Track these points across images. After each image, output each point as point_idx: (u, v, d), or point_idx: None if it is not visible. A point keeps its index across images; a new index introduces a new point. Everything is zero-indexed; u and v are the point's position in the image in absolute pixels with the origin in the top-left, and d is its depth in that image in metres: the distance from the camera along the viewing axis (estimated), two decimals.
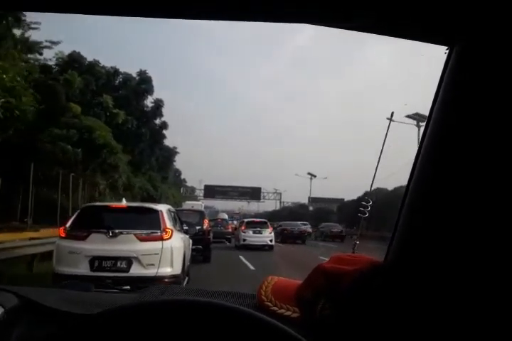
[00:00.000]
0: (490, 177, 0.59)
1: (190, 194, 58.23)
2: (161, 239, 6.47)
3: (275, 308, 0.80)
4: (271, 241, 19.01)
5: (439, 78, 0.69)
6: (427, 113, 0.71)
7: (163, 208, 7.02)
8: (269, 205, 61.89)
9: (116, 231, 6.33)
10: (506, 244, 0.57)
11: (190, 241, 9.74)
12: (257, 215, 50.60)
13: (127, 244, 6.30)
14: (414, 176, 0.71)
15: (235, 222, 30.68)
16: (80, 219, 6.59)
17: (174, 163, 60.05)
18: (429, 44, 0.68)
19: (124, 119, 25.97)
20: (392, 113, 1.07)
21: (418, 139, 0.77)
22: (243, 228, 20.00)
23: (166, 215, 6.84)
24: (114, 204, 7.55)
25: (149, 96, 33.36)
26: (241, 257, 14.56)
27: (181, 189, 57.14)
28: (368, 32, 0.66)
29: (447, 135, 0.65)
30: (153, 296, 0.87)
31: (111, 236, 6.30)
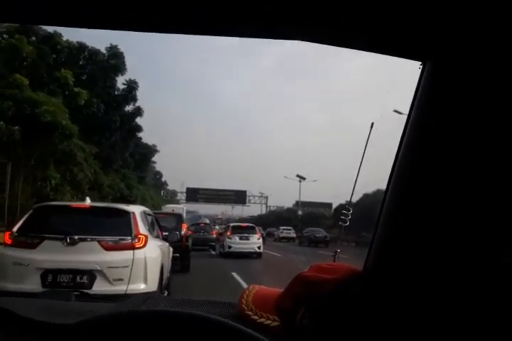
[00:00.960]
0: (465, 186, 0.61)
1: (172, 197, 56.84)
2: (133, 247, 5.32)
3: (255, 317, 0.81)
4: (259, 248, 17.59)
5: (415, 90, 0.72)
6: (403, 124, 0.73)
7: (136, 210, 5.85)
8: (254, 210, 60.93)
9: (76, 237, 5.13)
10: (486, 251, 0.59)
11: (171, 249, 8.60)
12: (241, 220, 49.51)
13: (89, 253, 5.12)
14: (391, 185, 0.73)
15: (217, 227, 29.22)
16: (31, 222, 5.37)
17: (155, 165, 58.66)
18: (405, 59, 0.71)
19: (87, 100, 20.29)
20: (372, 123, 1.03)
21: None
22: (229, 234, 18.58)
23: (139, 218, 5.69)
24: (75, 203, 6.36)
25: (120, 76, 26.96)
26: (230, 271, 12.24)
27: (162, 192, 55.77)
28: (343, 46, 0.69)
29: (422, 146, 0.68)
30: (134, 305, 0.89)
31: (69, 244, 5.11)
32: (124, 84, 27.91)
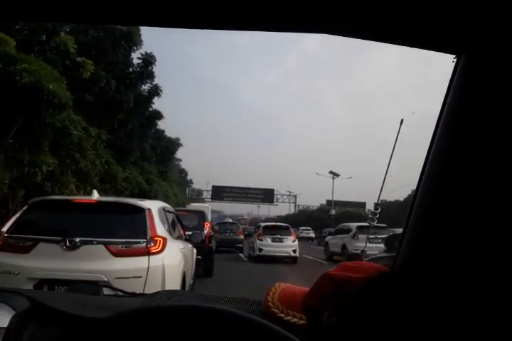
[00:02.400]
0: (501, 186, 0.60)
1: (197, 196, 56.21)
2: (148, 252, 4.37)
3: (282, 315, 0.83)
4: (294, 251, 15.82)
5: (447, 86, 0.71)
6: (435, 120, 0.72)
7: (153, 206, 4.88)
8: (281, 209, 59.79)
9: (77, 239, 4.21)
10: None
11: (195, 251, 7.64)
12: (267, 220, 48.32)
13: (94, 260, 4.18)
14: (422, 184, 0.72)
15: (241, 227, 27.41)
16: (25, 221, 4.47)
17: (180, 163, 58.24)
18: (437, 52, 0.70)
19: (94, 73, 16.24)
20: (402, 120, 1.06)
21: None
22: (259, 235, 16.88)
23: (157, 216, 4.73)
24: (78, 198, 5.42)
25: (135, 50, 21.47)
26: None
27: (187, 190, 55.31)
28: (374, 40, 0.68)
29: (455, 143, 0.67)
30: (161, 301, 0.94)
31: (68, 248, 4.19)
32: (139, 58, 22.59)
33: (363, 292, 0.72)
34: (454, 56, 0.69)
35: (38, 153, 12.69)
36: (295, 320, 0.81)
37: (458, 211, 0.64)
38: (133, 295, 1.34)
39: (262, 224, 19.23)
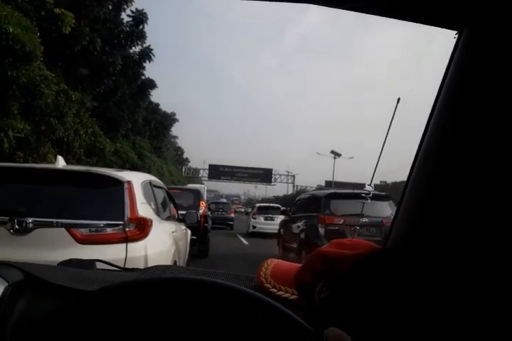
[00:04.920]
0: (498, 164, 0.59)
1: (193, 174, 55.36)
2: (125, 238, 3.33)
3: (274, 290, 0.84)
4: None
5: (447, 64, 0.69)
6: (432, 98, 0.71)
7: (134, 178, 3.79)
8: (279, 189, 59.14)
9: (30, 220, 3.13)
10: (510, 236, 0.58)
11: (189, 233, 6.64)
12: (264, 200, 48.09)
13: (52, 248, 3.11)
14: (417, 161, 0.72)
15: (233, 207, 30.44)
16: None
17: (176, 141, 57.13)
18: (438, 28, 0.69)
19: (75, 29, 13.83)
20: (399, 99, 1.02)
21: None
22: (254, 214, 19.49)
23: (139, 192, 3.67)
24: (36, 165, 4.27)
25: (125, 9, 19.26)
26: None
27: (183, 168, 54.46)
28: (374, 14, 0.68)
29: (453, 123, 0.66)
30: (155, 274, 0.92)
31: (17, 231, 3.12)
32: (129, 15, 19.99)
33: (354, 268, 0.73)
34: (456, 32, 0.67)
35: (2, 115, 10.73)
36: (287, 295, 0.82)
37: (453, 189, 0.63)
38: (127, 269, 1.29)
39: (257, 205, 22.26)
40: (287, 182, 54.94)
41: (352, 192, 8.77)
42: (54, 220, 3.24)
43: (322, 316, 0.73)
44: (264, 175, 53.19)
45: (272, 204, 22.19)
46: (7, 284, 0.77)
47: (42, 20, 12.65)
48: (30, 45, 10.05)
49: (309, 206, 9.30)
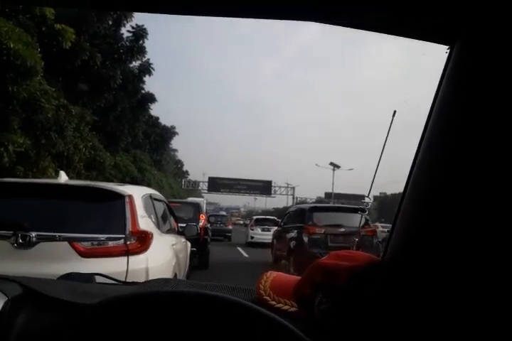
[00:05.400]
0: (492, 175, 0.59)
1: (193, 187, 55.33)
2: (126, 251, 3.40)
3: (273, 302, 0.84)
4: None
5: (440, 77, 0.71)
6: (427, 111, 0.72)
7: (135, 192, 3.88)
8: (278, 201, 59.08)
9: (33, 234, 3.21)
10: (508, 243, 0.58)
11: (189, 245, 6.69)
12: (264, 212, 48.00)
13: (55, 261, 3.17)
14: (414, 172, 0.73)
15: (233, 219, 32.02)
16: None
17: (176, 154, 57.17)
18: (431, 43, 0.70)
19: (75, 44, 14.07)
20: (395, 112, 1.04)
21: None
22: (252, 225, 21.18)
23: (140, 205, 3.75)
24: (39, 181, 4.39)
25: (125, 24, 19.65)
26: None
27: (183, 181, 54.46)
28: (368, 30, 0.68)
29: (447, 135, 0.67)
30: (155, 288, 0.96)
31: (21, 245, 3.20)
32: (129, 31, 20.41)
33: (353, 280, 0.73)
34: (448, 47, 0.69)
35: (2, 129, 10.79)
36: (286, 307, 0.83)
37: (450, 200, 0.63)
38: (126, 283, 1.30)
39: (254, 217, 24.34)
40: (287, 194, 54.85)
41: (332, 205, 11.89)
42: (57, 234, 3.31)
43: (322, 328, 0.73)
44: (264, 187, 53.07)
45: (268, 217, 24.28)
46: (7, 298, 0.78)
47: (43, 36, 12.76)
48: (31, 61, 10.13)
49: (297, 218, 10.57)
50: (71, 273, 1.31)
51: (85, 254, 3.29)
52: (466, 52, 0.65)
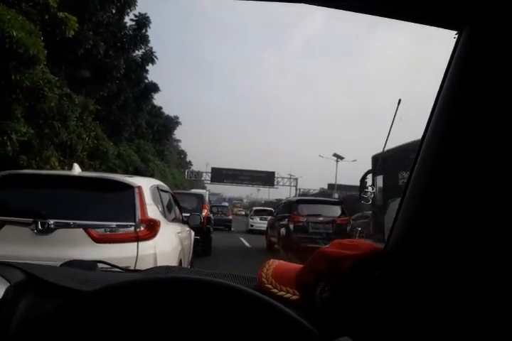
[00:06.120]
0: (499, 166, 0.59)
1: (196, 177, 55.68)
2: (137, 238, 3.73)
3: (275, 290, 0.85)
4: None
5: (447, 63, 0.69)
6: (433, 100, 0.71)
7: (143, 183, 4.20)
8: (281, 192, 59.29)
9: (51, 222, 3.55)
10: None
11: (193, 234, 7.04)
12: (267, 203, 48.27)
13: (71, 246, 3.52)
14: (418, 161, 0.72)
15: (235, 210, 34.28)
16: None
17: (179, 144, 57.41)
18: (439, 29, 0.69)
19: (78, 32, 13.93)
20: (400, 100, 1.06)
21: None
22: (251, 215, 25.39)
23: (148, 195, 4.08)
24: (55, 172, 4.74)
25: (128, 13, 19.55)
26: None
27: (186, 171, 54.78)
28: (373, 14, 0.67)
29: (453, 123, 0.66)
30: (157, 275, 0.95)
31: (40, 232, 3.54)
32: (132, 19, 20.55)
33: (355, 269, 0.73)
34: (456, 32, 0.67)
35: (5, 118, 10.78)
36: (288, 295, 0.83)
37: (454, 190, 0.63)
38: (128, 270, 1.34)
39: (254, 208, 29.01)
40: (290, 186, 55.01)
41: (315, 198, 15.18)
42: (73, 221, 3.64)
43: (324, 316, 0.74)
44: (267, 178, 53.18)
45: (265, 208, 28.18)
46: (9, 284, 0.78)
47: (46, 24, 12.63)
48: (34, 49, 10.09)
49: (286, 209, 12.73)
50: (73, 260, 1.30)
51: (99, 240, 3.62)
52: (475, 37, 0.64)
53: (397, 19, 0.67)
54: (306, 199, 15.01)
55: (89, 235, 3.62)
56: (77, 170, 4.22)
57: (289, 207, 12.33)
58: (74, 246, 3.54)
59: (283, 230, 11.68)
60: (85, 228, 3.63)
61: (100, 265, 1.34)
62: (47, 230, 3.56)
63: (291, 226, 11.25)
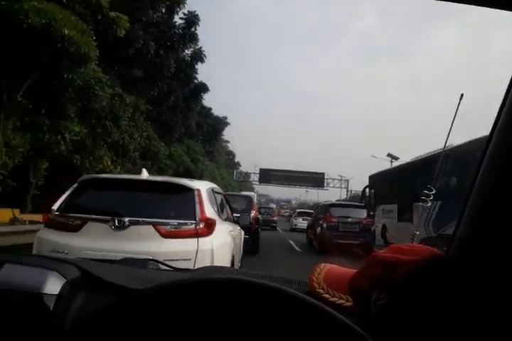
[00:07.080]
0: None
1: (244, 178, 56.59)
2: (197, 234, 4.38)
3: (327, 296, 0.83)
4: None
5: None
6: (502, 94, 0.68)
7: (201, 186, 4.86)
8: (332, 194, 59.03)
9: (126, 219, 4.26)
10: None
11: (243, 233, 7.68)
12: (316, 205, 48.33)
13: (142, 240, 4.22)
14: (484, 163, 0.69)
15: (282, 211, 37.25)
16: (74, 199, 4.57)
17: (228, 145, 58.47)
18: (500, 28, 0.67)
19: (129, 31, 14.33)
20: (462, 95, 1.03)
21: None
22: (295, 216, 30.50)
23: (205, 197, 4.72)
24: (127, 177, 5.51)
25: (178, 11, 19.85)
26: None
27: (234, 172, 55.72)
28: (450, 1, 0.65)
29: None
30: (207, 275, 1.01)
31: (117, 228, 4.26)
32: (181, 18, 20.78)
33: (414, 275, 0.71)
34: None
35: (59, 117, 11.15)
36: (341, 301, 0.82)
37: None
38: (179, 270, 1.37)
39: (297, 210, 34.65)
40: (340, 187, 54.47)
41: (346, 203, 18.62)
42: (143, 219, 4.34)
43: (380, 325, 0.72)
44: (316, 180, 53.07)
45: (307, 210, 32.76)
46: (65, 281, 0.82)
47: (98, 24, 13.03)
48: (85, 48, 10.42)
49: (321, 211, 15.76)
50: (126, 258, 1.36)
51: (166, 235, 4.29)
52: None
53: (466, 4, 0.65)
54: (337, 203, 18.43)
55: (158, 231, 4.29)
56: (145, 174, 4.94)
57: (323, 210, 15.31)
58: (145, 240, 4.23)
59: (319, 229, 14.50)
60: (154, 225, 4.31)
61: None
62: (122, 226, 4.27)
63: (325, 225, 13.96)
